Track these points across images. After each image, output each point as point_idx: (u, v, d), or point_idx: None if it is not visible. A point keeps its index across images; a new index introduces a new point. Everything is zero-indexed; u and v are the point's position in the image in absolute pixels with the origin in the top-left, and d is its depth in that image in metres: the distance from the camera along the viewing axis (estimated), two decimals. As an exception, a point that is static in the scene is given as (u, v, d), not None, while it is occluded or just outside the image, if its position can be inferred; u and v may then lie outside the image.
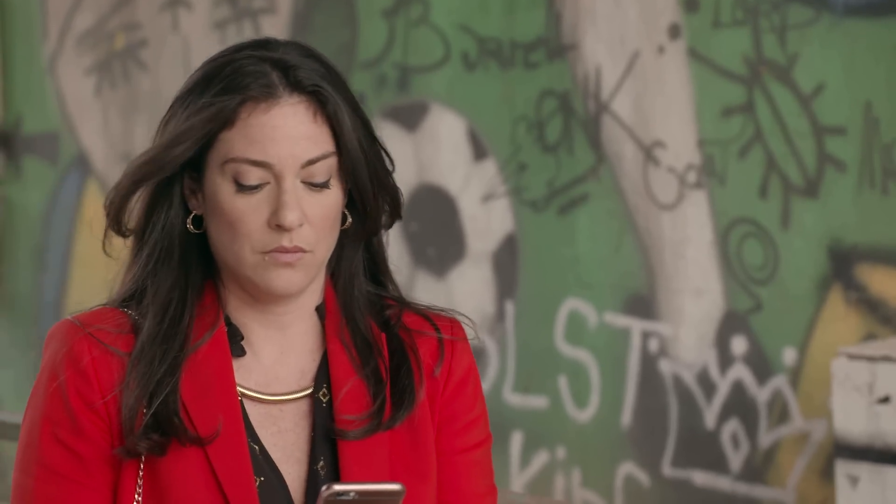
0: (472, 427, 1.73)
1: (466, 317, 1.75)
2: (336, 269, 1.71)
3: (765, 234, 3.66)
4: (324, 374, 1.68)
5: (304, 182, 1.62)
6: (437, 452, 1.70)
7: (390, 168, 1.70)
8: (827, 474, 3.48)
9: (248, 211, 1.62)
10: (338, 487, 1.47)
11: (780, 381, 3.65)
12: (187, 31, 5.10)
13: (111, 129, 5.36)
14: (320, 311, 1.70)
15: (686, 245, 3.83)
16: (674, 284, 3.85)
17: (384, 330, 1.71)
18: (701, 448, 3.80)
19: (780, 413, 3.65)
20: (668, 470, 3.88)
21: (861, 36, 3.46)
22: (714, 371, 3.78)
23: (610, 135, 3.97)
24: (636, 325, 3.93)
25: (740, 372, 3.73)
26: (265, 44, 1.65)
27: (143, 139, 5.25)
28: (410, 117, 4.34)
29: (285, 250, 1.61)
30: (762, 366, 3.68)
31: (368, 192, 1.66)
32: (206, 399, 1.63)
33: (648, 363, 3.91)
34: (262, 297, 1.66)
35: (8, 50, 5.57)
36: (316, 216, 1.62)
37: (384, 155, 1.69)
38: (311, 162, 1.61)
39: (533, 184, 4.11)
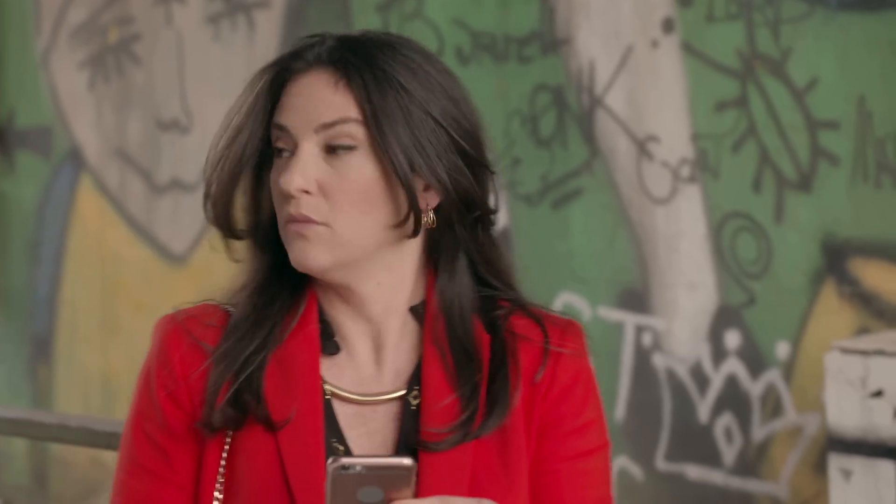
0: (582, 433, 1.67)
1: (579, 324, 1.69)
2: (438, 268, 1.66)
3: (758, 228, 3.66)
4: (418, 377, 1.65)
5: (324, 151, 1.60)
6: (540, 459, 1.64)
7: (492, 170, 1.64)
8: (820, 468, 3.49)
9: (274, 181, 1.62)
10: (345, 461, 1.43)
11: (773, 375, 3.65)
12: (181, 26, 5.09)
13: (104, 123, 5.35)
14: (418, 311, 1.66)
15: (680, 239, 3.83)
16: (667, 278, 3.85)
17: (490, 332, 1.66)
18: (694, 442, 3.80)
19: (773, 407, 3.65)
20: (661, 464, 3.88)
21: (855, 30, 3.46)
22: (707, 365, 3.78)
23: (604, 129, 3.97)
24: (630, 319, 3.93)
25: (734, 366, 3.73)
26: (322, 34, 1.67)
27: (136, 133, 5.25)
28: (404, 111, 4.33)
29: (293, 219, 1.60)
30: (755, 360, 3.68)
31: (405, 172, 1.59)
32: (287, 392, 1.61)
33: (642, 357, 3.91)
34: (338, 290, 1.64)
35: (1, 44, 5.56)
36: (332, 187, 1.59)
37: (460, 149, 1.61)
38: (326, 126, 1.60)
39: (527, 178, 4.11)
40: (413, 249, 1.66)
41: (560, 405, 1.67)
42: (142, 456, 1.64)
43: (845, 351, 3.10)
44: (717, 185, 3.74)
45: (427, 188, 1.63)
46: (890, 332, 3.32)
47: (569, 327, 1.69)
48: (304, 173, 1.59)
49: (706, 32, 3.73)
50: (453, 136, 1.61)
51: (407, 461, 1.44)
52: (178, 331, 1.65)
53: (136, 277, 5.21)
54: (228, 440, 1.62)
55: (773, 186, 3.63)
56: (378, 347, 1.66)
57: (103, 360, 5.35)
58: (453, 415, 1.62)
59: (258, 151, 1.64)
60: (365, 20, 4.46)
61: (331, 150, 1.60)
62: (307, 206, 1.59)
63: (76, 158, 5.46)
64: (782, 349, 3.63)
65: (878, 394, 3.05)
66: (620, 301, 3.95)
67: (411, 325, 1.66)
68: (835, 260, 3.52)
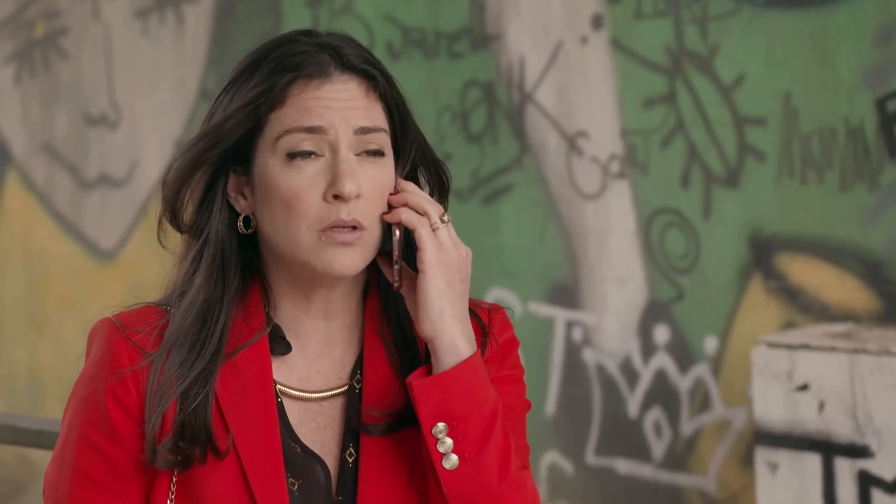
0: (510, 381, 1.74)
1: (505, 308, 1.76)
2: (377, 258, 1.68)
3: (686, 223, 3.69)
4: (361, 364, 1.67)
5: (357, 154, 1.61)
6: None
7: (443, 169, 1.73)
8: (747, 461, 3.52)
9: (305, 185, 1.59)
10: None
11: (701, 370, 3.68)
12: (108, 19, 5.05)
13: (31, 118, 5.30)
14: (363, 299, 1.68)
15: (609, 234, 3.85)
16: (597, 274, 3.87)
17: None
18: (624, 436, 3.82)
19: (701, 401, 3.68)
20: (591, 458, 3.90)
21: (781, 27, 3.49)
22: (637, 360, 3.80)
23: (534, 125, 3.98)
24: (560, 315, 3.95)
25: (663, 360, 3.75)
26: (308, 32, 1.66)
27: (63, 128, 5.20)
28: (334, 107, 4.32)
29: (343, 224, 1.59)
30: (684, 354, 3.71)
31: (431, 168, 1.69)
32: (243, 401, 1.61)
33: (572, 352, 3.92)
34: (318, 280, 1.63)
35: (-75, 37, 5.49)
36: (370, 190, 1.61)
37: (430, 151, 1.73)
38: (365, 130, 1.61)
39: (457, 174, 4.09)
40: None
41: (503, 363, 1.73)
42: (87, 466, 1.61)
43: (772, 345, 3.13)
44: (646, 180, 3.76)
45: None
46: (815, 327, 3.35)
47: (493, 309, 1.74)
48: (357, 177, 1.60)
49: (635, 29, 3.75)
50: (425, 141, 1.71)
51: None
52: (122, 338, 1.62)
53: (63, 273, 5.16)
54: None
55: (700, 182, 3.65)
56: (327, 340, 1.67)
57: (30, 357, 5.29)
58: (393, 399, 1.64)
59: (231, 146, 1.62)
60: (295, 15, 4.45)
61: (366, 153, 1.62)
62: (357, 211, 1.60)
63: (2, 154, 5.40)
64: (710, 344, 3.66)
65: (804, 388, 3.08)
66: (551, 296, 3.96)
67: (359, 317, 1.68)
68: (761, 255, 3.55)
